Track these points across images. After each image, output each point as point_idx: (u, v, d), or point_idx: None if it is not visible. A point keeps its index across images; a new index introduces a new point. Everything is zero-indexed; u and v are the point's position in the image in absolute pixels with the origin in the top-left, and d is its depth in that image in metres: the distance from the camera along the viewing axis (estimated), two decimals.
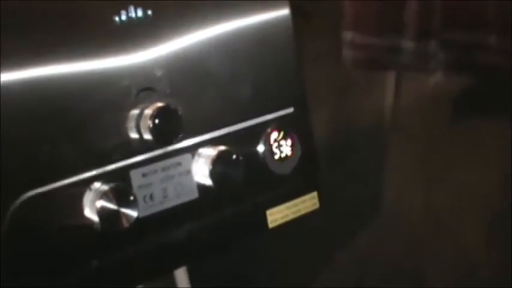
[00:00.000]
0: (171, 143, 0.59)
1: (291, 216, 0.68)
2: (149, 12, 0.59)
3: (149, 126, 0.57)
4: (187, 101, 0.61)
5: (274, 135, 0.66)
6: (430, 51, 0.62)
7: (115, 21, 0.58)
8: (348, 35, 0.62)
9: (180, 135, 0.59)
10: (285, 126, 0.66)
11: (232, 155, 0.62)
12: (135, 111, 0.58)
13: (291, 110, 0.67)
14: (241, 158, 0.62)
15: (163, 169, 0.60)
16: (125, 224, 0.56)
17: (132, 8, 0.58)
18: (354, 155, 0.95)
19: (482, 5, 0.59)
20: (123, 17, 0.58)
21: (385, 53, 0.62)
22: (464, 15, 0.60)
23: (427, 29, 0.60)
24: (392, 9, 0.59)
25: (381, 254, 0.98)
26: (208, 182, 0.61)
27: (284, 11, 0.67)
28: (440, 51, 0.62)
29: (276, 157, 0.66)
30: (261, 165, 0.65)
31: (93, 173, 0.57)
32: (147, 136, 0.58)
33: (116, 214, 0.56)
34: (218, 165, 0.61)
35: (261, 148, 0.65)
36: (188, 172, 0.61)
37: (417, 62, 0.63)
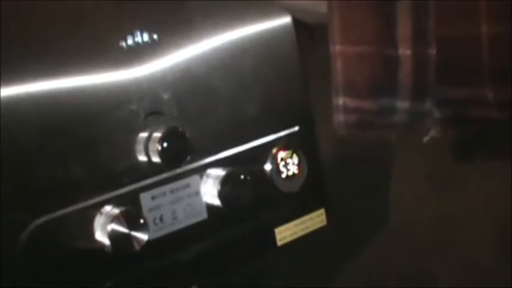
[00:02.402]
0: (179, 165, 0.60)
1: (299, 234, 0.69)
2: (155, 36, 0.60)
3: (158, 149, 0.58)
4: (195, 122, 0.62)
5: (281, 154, 0.66)
6: (426, 110, 0.60)
7: (122, 46, 0.58)
8: (338, 100, 0.59)
9: (188, 157, 0.60)
10: (291, 144, 0.67)
11: (240, 175, 0.62)
12: (144, 135, 0.59)
13: (296, 128, 0.68)
14: (249, 177, 0.63)
15: (172, 191, 0.61)
16: (136, 247, 0.57)
17: (138, 33, 0.59)
18: (361, 167, 0.95)
19: (477, 58, 0.57)
20: (130, 42, 0.59)
21: (379, 114, 0.59)
22: (459, 69, 0.58)
23: (422, 87, 0.58)
24: (385, 70, 0.57)
25: (389, 264, 0.99)
26: (217, 202, 0.62)
27: (286, 19, 0.67)
28: (435, 109, 0.60)
29: (283, 175, 0.67)
30: (269, 184, 0.66)
31: (104, 197, 0.57)
32: (156, 159, 0.58)
33: (127, 237, 0.57)
34: (227, 185, 0.62)
35: (268, 167, 0.66)
36: (197, 193, 0.62)
37: (412, 121, 0.61)
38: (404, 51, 0.52)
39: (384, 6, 0.51)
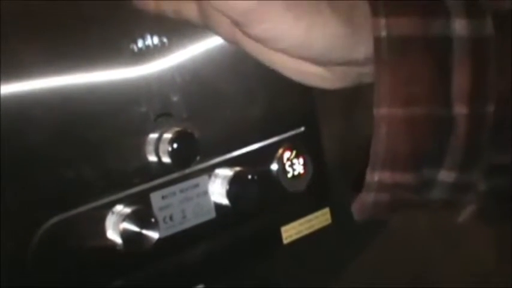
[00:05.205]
0: (188, 165, 0.61)
1: (304, 232, 0.70)
2: (165, 39, 0.61)
3: (168, 150, 0.59)
4: (203, 124, 0.63)
5: (287, 154, 0.68)
6: (471, 182, 0.49)
7: (132, 48, 0.60)
8: (373, 177, 0.47)
9: (197, 158, 0.61)
10: (297, 145, 0.68)
11: (247, 175, 0.64)
12: (154, 136, 0.60)
13: (302, 129, 0.69)
14: (256, 177, 0.64)
15: (182, 191, 0.62)
16: (147, 245, 0.58)
17: (148, 36, 0.60)
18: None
19: None
20: (140, 45, 0.60)
21: (416, 190, 0.48)
22: None
23: (474, 152, 0.47)
24: (435, 134, 0.46)
25: (389, 269, 0.99)
26: (225, 201, 0.63)
27: None
28: (483, 179, 0.49)
29: (289, 175, 0.68)
30: (275, 184, 0.67)
31: (115, 196, 0.58)
32: (166, 159, 0.60)
33: (138, 236, 0.58)
34: (234, 185, 0.63)
35: (274, 167, 0.67)
36: (205, 193, 0.63)
37: (451, 197, 0.49)
38: (460, 110, 0.44)
39: (440, 59, 0.44)
